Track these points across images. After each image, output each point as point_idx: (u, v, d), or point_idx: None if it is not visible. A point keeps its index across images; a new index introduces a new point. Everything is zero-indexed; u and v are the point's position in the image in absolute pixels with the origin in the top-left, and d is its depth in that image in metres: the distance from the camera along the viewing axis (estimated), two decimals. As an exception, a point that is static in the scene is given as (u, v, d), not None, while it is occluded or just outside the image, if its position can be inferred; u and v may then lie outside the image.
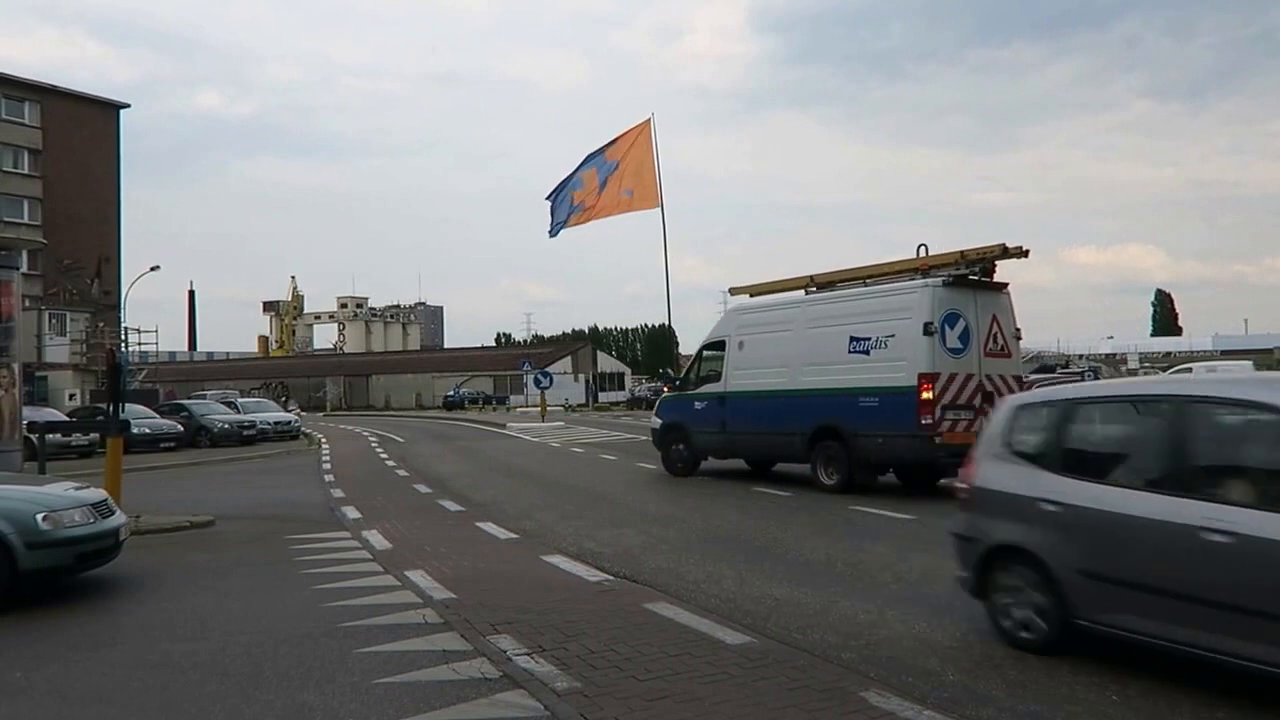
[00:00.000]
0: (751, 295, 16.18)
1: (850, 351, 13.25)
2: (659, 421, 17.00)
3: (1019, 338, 13.43)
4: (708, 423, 15.58)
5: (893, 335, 12.75)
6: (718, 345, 15.81)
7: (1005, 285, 13.30)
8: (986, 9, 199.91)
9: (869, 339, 13.07)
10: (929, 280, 12.83)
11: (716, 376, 15.66)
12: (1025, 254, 12.97)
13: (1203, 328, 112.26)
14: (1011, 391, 12.16)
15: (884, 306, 13.08)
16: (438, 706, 4.80)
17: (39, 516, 7.28)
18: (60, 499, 7.72)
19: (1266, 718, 4.57)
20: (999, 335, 13.06)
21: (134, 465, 16.91)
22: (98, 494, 8.16)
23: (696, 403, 15.91)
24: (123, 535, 8.03)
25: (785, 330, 14.45)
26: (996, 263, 13.09)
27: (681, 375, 16.90)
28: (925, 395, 12.25)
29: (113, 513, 8.01)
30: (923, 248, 13.75)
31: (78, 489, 8.25)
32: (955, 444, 11.60)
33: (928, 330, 12.37)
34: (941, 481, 12.77)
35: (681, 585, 7.64)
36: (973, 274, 13.02)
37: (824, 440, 13.51)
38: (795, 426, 13.86)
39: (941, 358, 12.41)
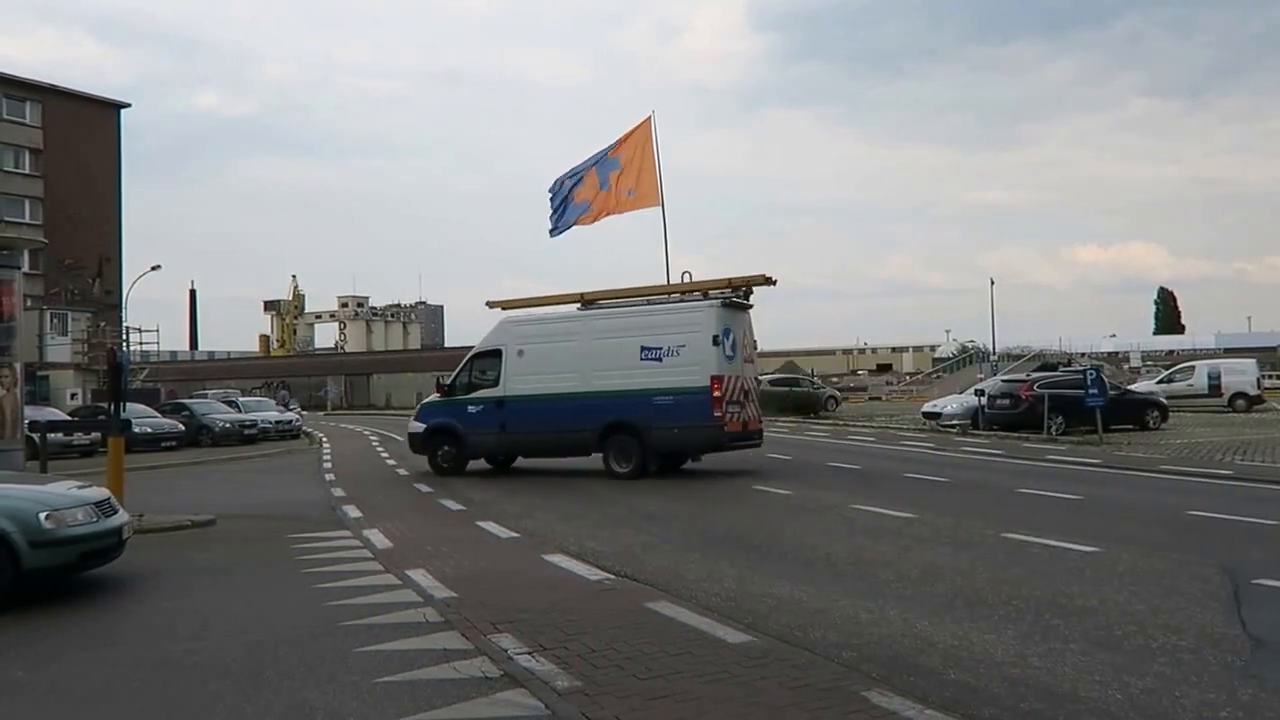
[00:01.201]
0: (504, 308, 18.08)
1: (642, 359, 15.73)
2: (420, 426, 17.83)
3: (755, 348, 17.01)
4: (484, 425, 16.91)
5: (684, 345, 15.47)
6: (491, 354, 17.17)
7: (751, 306, 16.65)
8: (986, 7, 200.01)
9: (661, 348, 15.66)
10: (712, 301, 15.81)
11: (490, 382, 16.99)
12: (773, 282, 16.41)
13: (1205, 326, 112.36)
14: (755, 390, 16.68)
15: (675, 322, 15.84)
16: (439, 705, 4.81)
17: (42, 515, 7.28)
18: (63, 498, 7.72)
19: (1270, 717, 4.57)
20: (748, 346, 16.44)
21: (135, 464, 16.92)
22: (100, 493, 8.16)
23: (470, 407, 17.09)
24: (125, 534, 8.03)
25: (571, 340, 16.46)
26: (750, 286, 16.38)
27: (450, 382, 17.52)
28: (716, 393, 15.20)
29: (115, 511, 8.01)
30: (687, 274, 17.14)
31: (80, 488, 8.26)
32: (733, 431, 15.48)
33: (715, 341, 15.31)
34: (686, 464, 16.48)
35: (682, 584, 7.63)
36: (738, 297, 16.19)
37: (616, 435, 15.78)
38: (587, 424, 15.84)
39: (723, 363, 15.39)
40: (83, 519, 7.55)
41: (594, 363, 16.01)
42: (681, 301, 16.39)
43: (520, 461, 18.14)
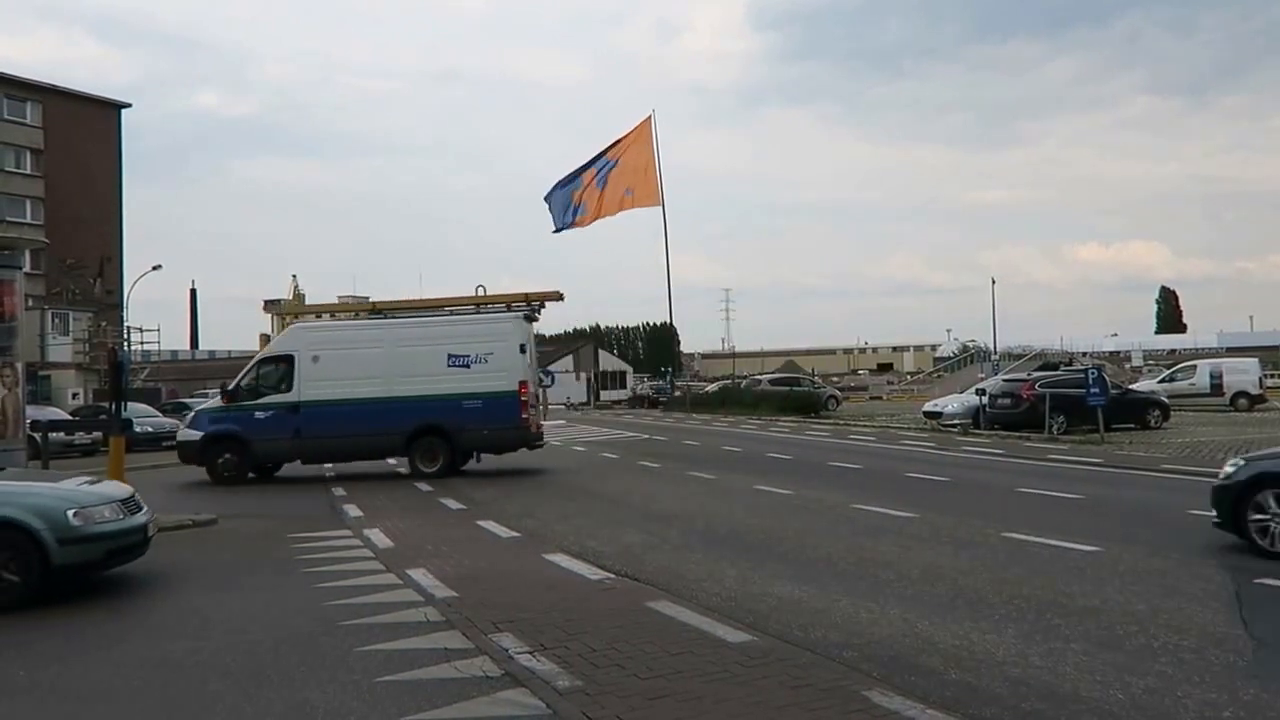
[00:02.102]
0: (286, 313, 18.72)
1: (450, 365, 16.74)
2: (195, 434, 17.21)
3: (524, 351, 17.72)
4: (276, 431, 16.84)
5: (492, 353, 16.77)
6: (281, 359, 17.17)
7: (538, 319, 18.04)
8: (985, 6, 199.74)
9: (469, 355, 16.78)
10: (516, 314, 17.38)
11: (281, 388, 16.93)
12: (562, 297, 18.13)
13: (1207, 325, 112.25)
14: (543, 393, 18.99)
15: (482, 331, 17.07)
16: (439, 704, 4.80)
17: (70, 513, 7.37)
18: (90, 495, 7.81)
19: (1271, 717, 4.56)
20: (533, 355, 18.05)
21: (136, 464, 16.92)
22: (125, 490, 8.24)
23: (259, 413, 16.91)
24: (150, 531, 8.12)
25: (374, 348, 16.94)
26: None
27: (232, 387, 17.19)
28: (523, 397, 16.79)
29: (140, 509, 8.09)
30: (481, 288, 18.56)
31: (90, 484, 8.33)
32: (534, 431, 17.30)
33: (523, 350, 16.93)
34: (469, 464, 17.42)
35: (683, 584, 7.63)
36: (533, 310, 17.70)
37: (424, 437, 16.74)
38: (394, 428, 16.61)
39: (526, 370, 16.99)
40: (109, 516, 7.64)
41: (399, 369, 16.60)
42: (484, 312, 17.78)
43: (521, 461, 18.13)
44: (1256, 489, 8.31)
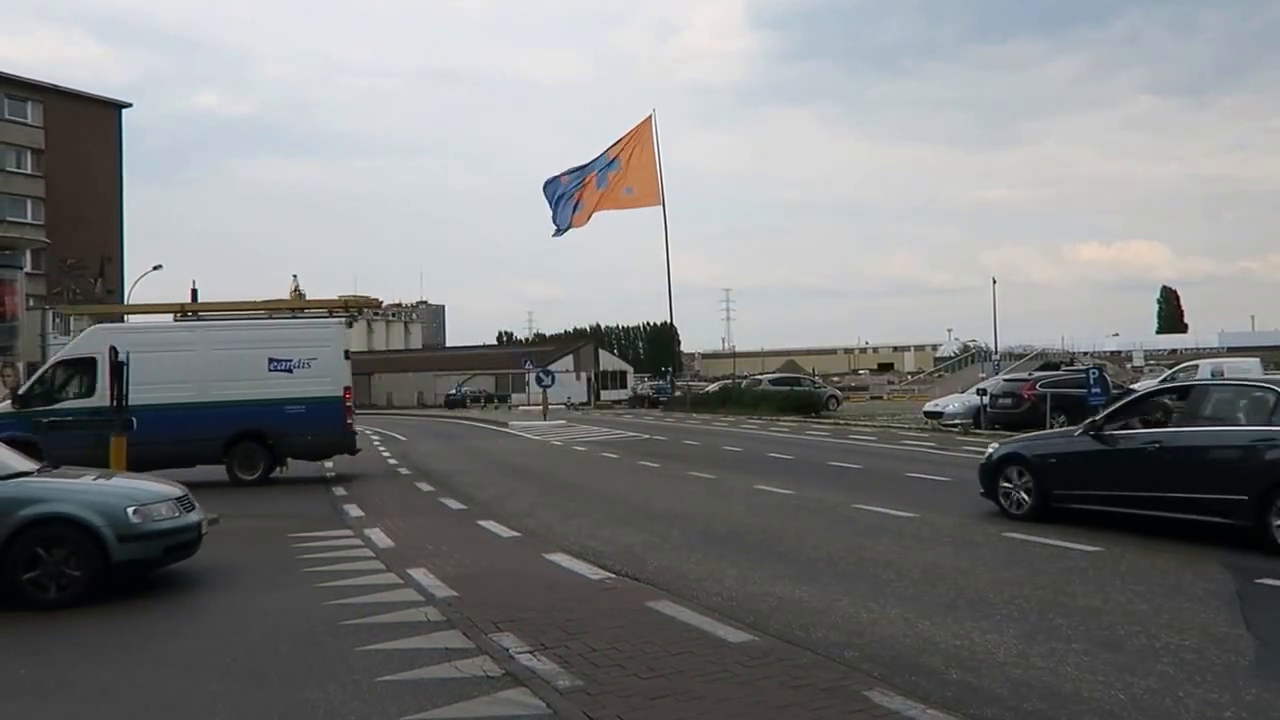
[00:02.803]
0: (80, 315, 18.16)
1: (271, 370, 16.39)
2: None
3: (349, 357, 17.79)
4: (73, 437, 16.02)
5: (315, 358, 16.52)
6: (81, 362, 16.19)
7: (353, 325, 18.40)
8: (985, 5, 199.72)
9: (291, 360, 16.51)
10: (339, 320, 17.50)
11: (81, 393, 15.99)
12: (380, 304, 18.00)
13: (1209, 324, 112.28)
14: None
15: (305, 336, 16.84)
16: (440, 704, 4.80)
17: (130, 510, 7.47)
18: (148, 493, 7.91)
19: (1273, 717, 4.55)
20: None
21: (137, 464, 16.93)
22: (179, 489, 8.32)
23: (55, 418, 16.01)
24: (204, 529, 8.19)
25: (188, 351, 16.42)
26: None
27: (24, 391, 16.47)
28: (348, 402, 16.77)
29: (193, 507, 8.16)
30: (299, 292, 20.50)
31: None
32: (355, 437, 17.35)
33: (346, 355, 17.00)
34: (278, 470, 16.89)
35: (683, 583, 7.63)
36: (353, 318, 18.19)
37: (243, 443, 16.37)
38: (210, 433, 16.11)
39: (349, 375, 17.02)
40: (166, 514, 7.73)
41: (215, 373, 16.15)
42: (303, 317, 17.83)
43: (520, 461, 18.11)
44: (1005, 465, 10.70)
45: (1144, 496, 9.22)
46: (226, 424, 16.16)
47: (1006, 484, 10.55)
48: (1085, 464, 9.86)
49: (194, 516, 8.03)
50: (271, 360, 16.41)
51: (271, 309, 18.45)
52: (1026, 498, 10.30)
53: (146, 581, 7.82)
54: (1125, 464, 9.41)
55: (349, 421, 16.77)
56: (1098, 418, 10.13)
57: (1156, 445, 9.16)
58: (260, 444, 16.43)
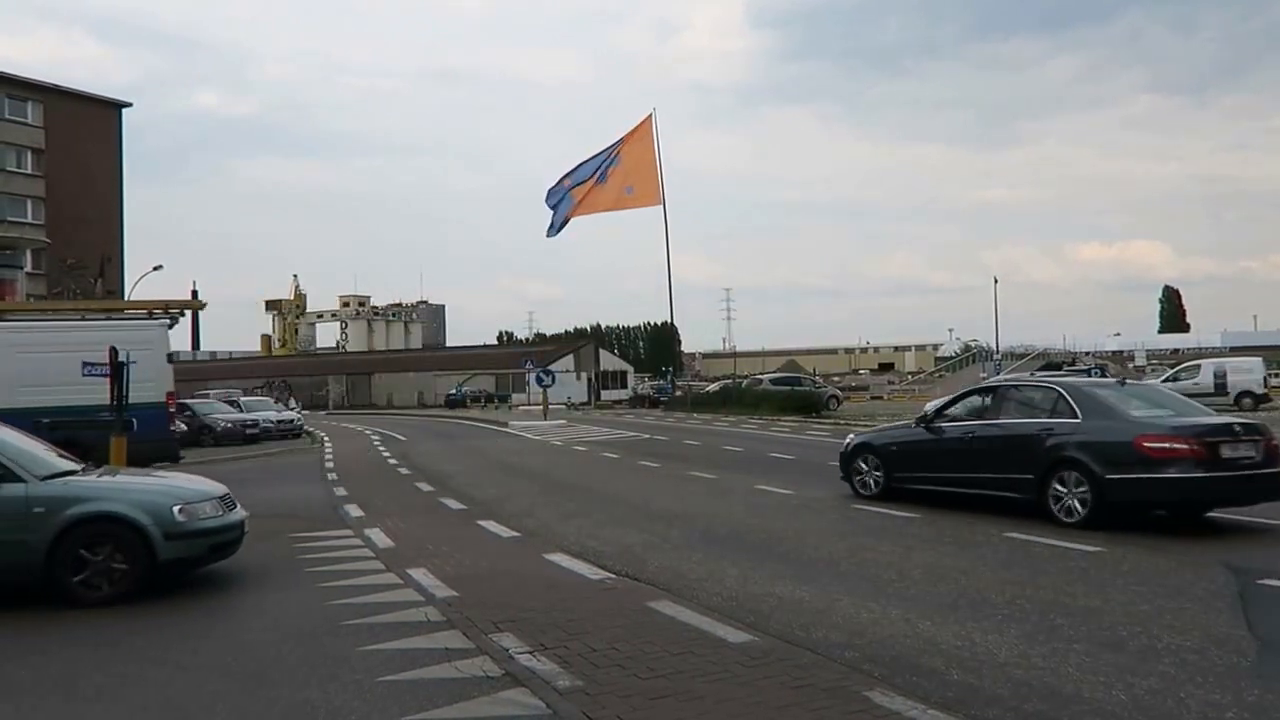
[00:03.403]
0: None
1: (86, 374, 15.39)
2: None
3: (172, 360, 17.68)
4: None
5: (135, 362, 15.07)
6: None
7: (174, 326, 18.21)
8: (985, 4, 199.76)
9: (108, 364, 15.77)
10: (160, 322, 17.20)
11: None
12: (203, 305, 18.27)
13: (1211, 324, 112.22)
14: None
15: (124, 339, 15.37)
16: (440, 704, 4.79)
17: (175, 509, 7.53)
18: (193, 492, 7.98)
19: (1275, 718, 4.54)
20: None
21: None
22: (221, 488, 8.36)
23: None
24: (246, 528, 8.24)
25: None
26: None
27: None
28: (171, 408, 16.76)
29: (235, 505, 8.20)
30: (105, 291, 18.23)
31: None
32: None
33: (170, 359, 16.85)
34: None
35: (683, 584, 7.61)
36: (174, 320, 17.75)
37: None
38: None
39: (172, 379, 16.93)
40: (210, 512, 7.78)
41: (21, 378, 15.45)
42: (119, 319, 17.38)
43: (520, 461, 18.10)
44: (858, 453, 12.43)
45: (963, 477, 11.13)
46: (36, 432, 15.52)
47: (859, 470, 12.32)
48: (919, 451, 11.73)
49: (237, 515, 8.10)
50: (86, 364, 15.32)
51: (83, 309, 18.04)
52: (875, 481, 12.10)
53: (146, 582, 7.81)
54: (949, 451, 11.33)
55: (171, 428, 16.53)
56: (928, 413, 12.21)
57: (971, 435, 11.05)
58: (81, 451, 15.50)
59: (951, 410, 11.84)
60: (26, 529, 7.12)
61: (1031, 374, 28.48)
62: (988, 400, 11.56)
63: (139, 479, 8.39)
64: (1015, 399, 11.13)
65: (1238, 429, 9.74)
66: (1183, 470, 9.16)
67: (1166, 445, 9.29)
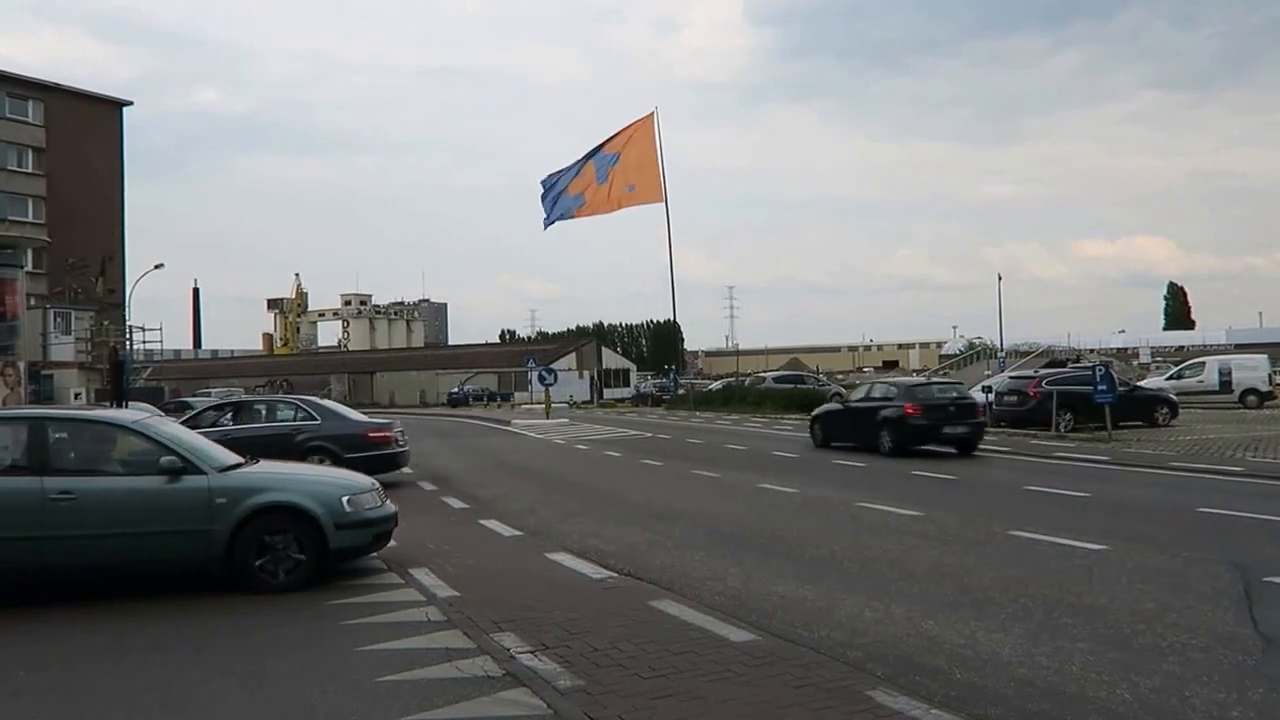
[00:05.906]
0: None
1: None
2: None
3: None
4: None
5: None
6: None
7: None
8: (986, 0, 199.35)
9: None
10: None
11: None
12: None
13: (1216, 321, 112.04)
14: None
15: None
16: (441, 704, 4.77)
17: (344, 499, 7.78)
18: (357, 483, 8.22)
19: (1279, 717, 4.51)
20: None
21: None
22: (372, 480, 8.56)
23: None
24: (398, 520, 8.48)
25: None
26: None
27: None
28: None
29: (385, 498, 8.42)
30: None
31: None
32: None
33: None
34: None
35: (686, 583, 7.59)
36: None
37: None
38: None
39: None
40: (372, 502, 8.03)
41: None
42: None
43: (522, 460, 18.07)
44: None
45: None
46: None
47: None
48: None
49: (390, 507, 8.33)
50: None
51: None
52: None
53: (145, 582, 7.78)
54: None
55: None
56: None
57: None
58: None
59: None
60: (211, 519, 7.36)
61: (1035, 371, 28.48)
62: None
63: (307, 470, 8.72)
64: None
65: None
66: None
67: None
